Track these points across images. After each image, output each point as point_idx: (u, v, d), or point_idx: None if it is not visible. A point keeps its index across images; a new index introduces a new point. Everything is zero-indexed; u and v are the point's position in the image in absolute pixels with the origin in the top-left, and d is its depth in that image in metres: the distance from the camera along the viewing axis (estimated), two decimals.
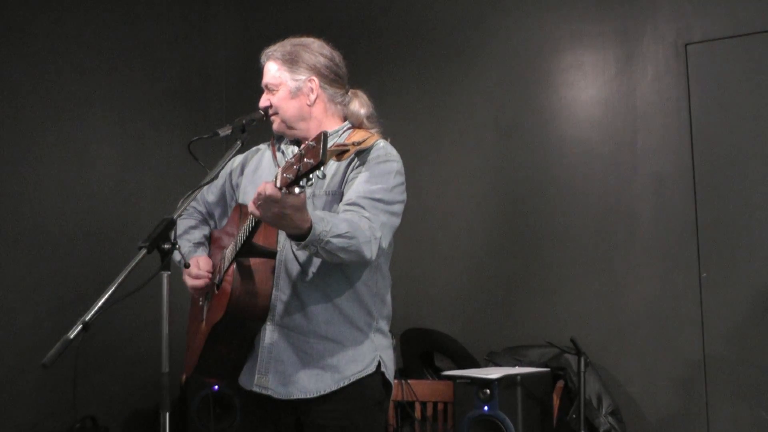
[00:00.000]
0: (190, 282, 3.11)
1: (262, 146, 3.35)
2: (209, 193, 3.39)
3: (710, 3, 4.89)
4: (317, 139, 2.39)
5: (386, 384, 3.10)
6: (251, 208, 2.62)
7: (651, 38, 5.03)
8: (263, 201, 2.54)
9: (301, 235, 2.67)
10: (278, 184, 2.50)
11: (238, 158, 3.35)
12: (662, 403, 4.88)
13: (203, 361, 3.10)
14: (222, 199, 3.38)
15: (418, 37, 5.76)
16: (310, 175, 2.43)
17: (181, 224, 3.31)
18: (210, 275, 3.12)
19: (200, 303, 3.22)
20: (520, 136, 5.39)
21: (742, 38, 4.79)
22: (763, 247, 4.68)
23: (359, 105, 3.20)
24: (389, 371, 3.11)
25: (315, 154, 2.38)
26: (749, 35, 4.77)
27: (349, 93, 3.21)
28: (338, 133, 3.13)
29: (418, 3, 5.80)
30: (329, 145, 2.46)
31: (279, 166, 3.14)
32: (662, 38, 5.00)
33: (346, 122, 3.19)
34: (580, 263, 5.15)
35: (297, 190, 2.49)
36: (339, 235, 2.73)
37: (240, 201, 3.23)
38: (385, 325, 3.15)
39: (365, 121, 3.18)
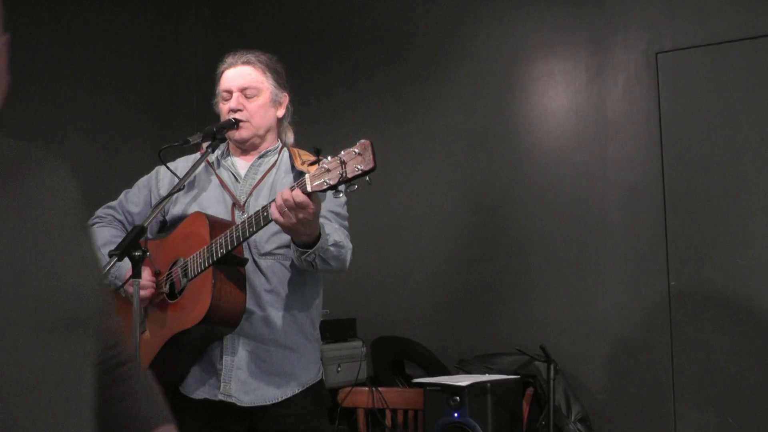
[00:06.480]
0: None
1: (188, 157, 3.32)
2: (131, 203, 3.33)
3: (680, 12, 4.92)
4: (363, 146, 2.45)
5: None
6: (275, 215, 2.64)
7: (622, 47, 5.06)
8: (291, 207, 2.57)
9: (308, 243, 2.71)
10: (309, 190, 2.52)
11: (162, 170, 3.29)
12: (631, 409, 4.90)
13: (153, 370, 3.02)
14: (146, 211, 3.29)
15: (389, 46, 5.77)
16: (354, 182, 2.50)
17: (104, 233, 3.26)
18: (154, 285, 3.10)
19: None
20: (491, 145, 5.40)
21: (712, 47, 4.82)
22: (732, 256, 4.71)
23: (290, 134, 3.31)
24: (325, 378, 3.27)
25: (365, 161, 2.44)
26: (719, 44, 4.80)
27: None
28: (276, 150, 3.24)
29: (389, 12, 5.81)
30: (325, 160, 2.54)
31: (220, 177, 3.16)
32: (633, 47, 5.03)
33: (279, 142, 3.28)
34: (550, 271, 5.17)
35: (341, 195, 2.54)
36: (335, 244, 2.83)
37: (177, 213, 3.18)
38: (319, 334, 3.25)
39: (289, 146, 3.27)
